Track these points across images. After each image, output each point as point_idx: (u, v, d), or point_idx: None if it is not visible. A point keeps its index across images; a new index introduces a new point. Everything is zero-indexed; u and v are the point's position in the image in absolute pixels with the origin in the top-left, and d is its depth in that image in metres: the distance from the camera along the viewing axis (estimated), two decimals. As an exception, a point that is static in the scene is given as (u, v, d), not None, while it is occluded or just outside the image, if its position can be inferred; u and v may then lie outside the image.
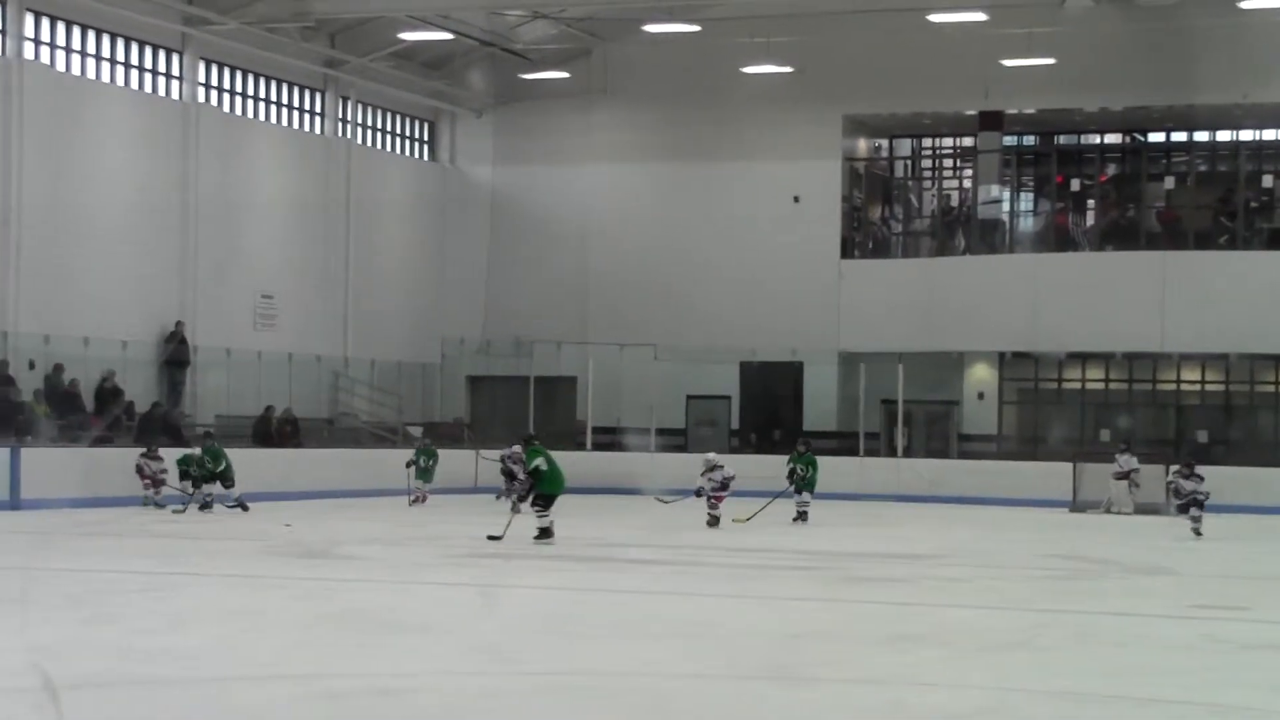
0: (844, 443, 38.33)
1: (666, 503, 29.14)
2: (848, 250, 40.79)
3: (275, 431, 33.96)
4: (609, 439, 39.07)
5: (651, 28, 37.40)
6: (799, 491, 28.27)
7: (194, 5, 34.22)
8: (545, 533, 21.90)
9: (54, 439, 29.46)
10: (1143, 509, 31.99)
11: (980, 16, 35.11)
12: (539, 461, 22.42)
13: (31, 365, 30.82)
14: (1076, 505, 32.95)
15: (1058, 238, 40.23)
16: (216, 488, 27.44)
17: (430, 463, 31.83)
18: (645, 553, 21.66)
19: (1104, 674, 11.99)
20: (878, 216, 42.78)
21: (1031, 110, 40.46)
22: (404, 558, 20.43)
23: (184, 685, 10.85)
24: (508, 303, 42.14)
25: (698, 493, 26.59)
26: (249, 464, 29.28)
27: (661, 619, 14.75)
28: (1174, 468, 28.70)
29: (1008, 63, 37.46)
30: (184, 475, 27.76)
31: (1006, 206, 41.26)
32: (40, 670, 10.89)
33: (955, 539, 25.56)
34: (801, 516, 27.94)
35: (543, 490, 22.25)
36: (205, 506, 27.19)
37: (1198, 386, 39.31)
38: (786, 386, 40.41)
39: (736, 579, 18.70)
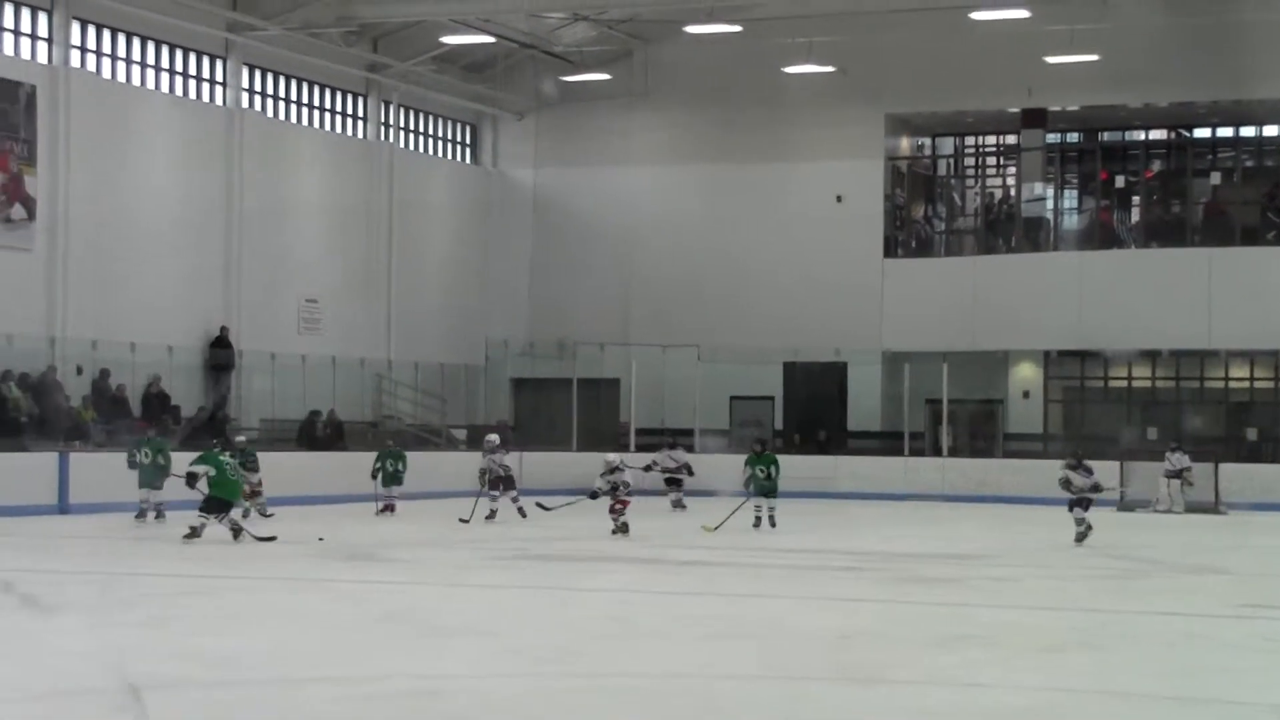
0: (889, 443, 38.26)
1: (550, 509, 26.22)
2: (891, 249, 40.68)
3: (320, 435, 34.04)
4: (653, 440, 38.99)
5: (693, 29, 37.36)
6: (765, 495, 25.79)
7: (237, 11, 34.35)
8: (195, 533, 21.72)
9: (101, 444, 29.60)
10: (1194, 508, 31.79)
11: (1023, 13, 34.93)
12: (203, 469, 22.18)
13: (79, 371, 31.01)
14: (1124, 504, 32.75)
15: (1103, 235, 40.02)
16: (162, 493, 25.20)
17: (397, 467, 28.60)
18: (695, 554, 21.61)
19: (1157, 674, 11.92)
20: (921, 215, 42.67)
21: (1075, 107, 40.29)
22: (449, 560, 20.44)
23: (233, 687, 10.89)
24: (551, 305, 42.16)
25: (593, 494, 24.77)
26: (294, 467, 29.35)
27: (713, 620, 14.71)
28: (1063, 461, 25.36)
29: (1051, 59, 37.27)
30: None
31: (1050, 204, 41.09)
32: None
33: (1003, 538, 25.47)
34: (769, 521, 25.68)
35: (215, 495, 22.07)
36: (158, 515, 25.19)
37: (1246, 383, 39.08)
38: (830, 387, 40.31)
39: (787, 580, 18.65)
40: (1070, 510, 24.02)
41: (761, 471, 25.85)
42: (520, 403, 42.36)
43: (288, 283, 36.36)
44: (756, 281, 40.61)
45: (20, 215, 30.26)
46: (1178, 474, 32.10)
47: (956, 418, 38.64)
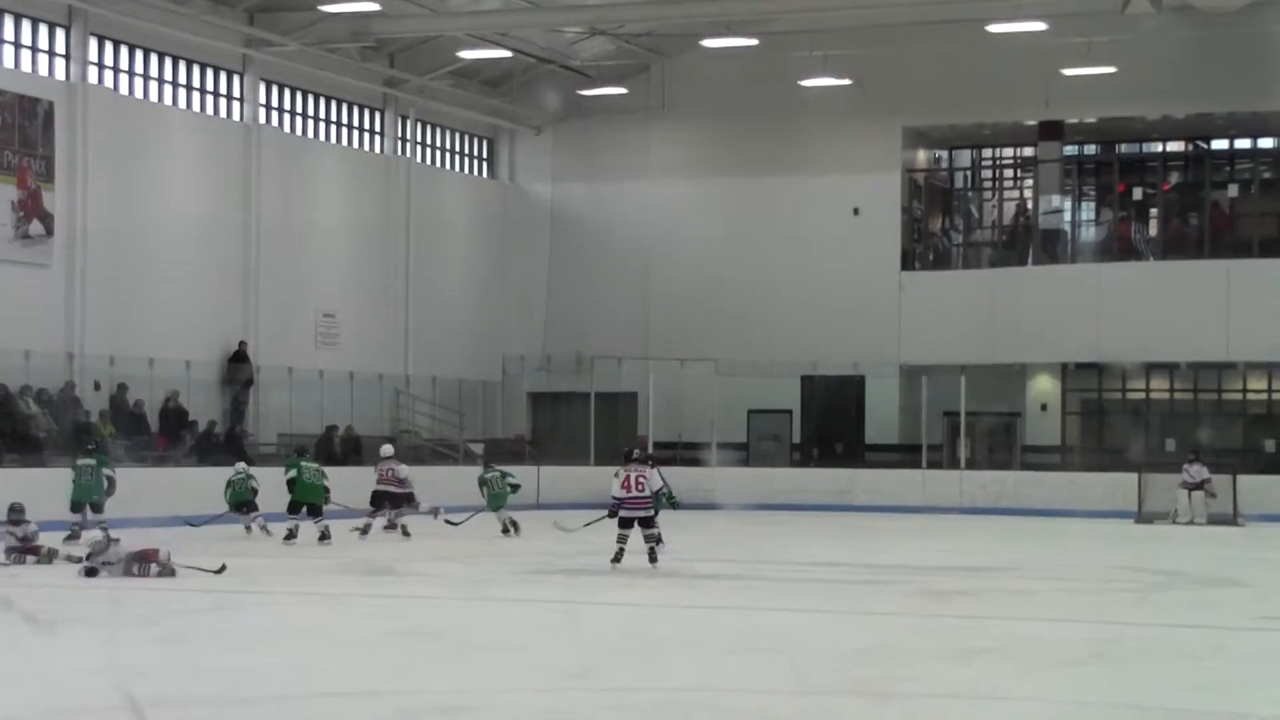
0: (906, 456, 38.22)
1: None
2: (908, 262, 40.65)
3: (338, 450, 34.05)
4: (670, 454, 39.01)
5: (710, 43, 37.38)
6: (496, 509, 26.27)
7: (255, 27, 34.43)
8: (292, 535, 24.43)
9: (120, 459, 29.60)
10: (1212, 520, 31.73)
11: (1040, 26, 34.90)
12: (293, 473, 24.98)
13: (97, 386, 31.07)
14: (1143, 516, 32.71)
15: (1120, 247, 39.96)
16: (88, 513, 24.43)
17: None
18: (713, 567, 21.60)
19: (1178, 687, 11.90)
20: (938, 228, 42.64)
21: (1092, 119, 40.24)
22: (470, 574, 20.44)
23: (256, 704, 10.89)
24: (568, 319, 42.17)
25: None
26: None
27: (731, 634, 14.72)
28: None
29: (1068, 72, 37.26)
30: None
31: (1068, 216, 41.04)
32: (123, 690, 10.96)
33: (1022, 551, 25.41)
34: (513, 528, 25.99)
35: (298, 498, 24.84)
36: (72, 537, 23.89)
37: (1264, 395, 38.98)
38: (848, 400, 40.27)
39: (805, 593, 18.64)
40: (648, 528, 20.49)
41: (497, 483, 26.62)
42: (538, 417, 42.39)
43: (305, 297, 36.42)
44: (774, 295, 40.59)
45: (38, 231, 30.34)
46: (1198, 486, 32.04)
47: (974, 430, 38.59)
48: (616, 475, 20.52)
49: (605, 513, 21.11)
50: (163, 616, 15.63)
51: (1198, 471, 32.14)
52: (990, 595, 18.47)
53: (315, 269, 36.83)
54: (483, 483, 27.15)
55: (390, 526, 26.45)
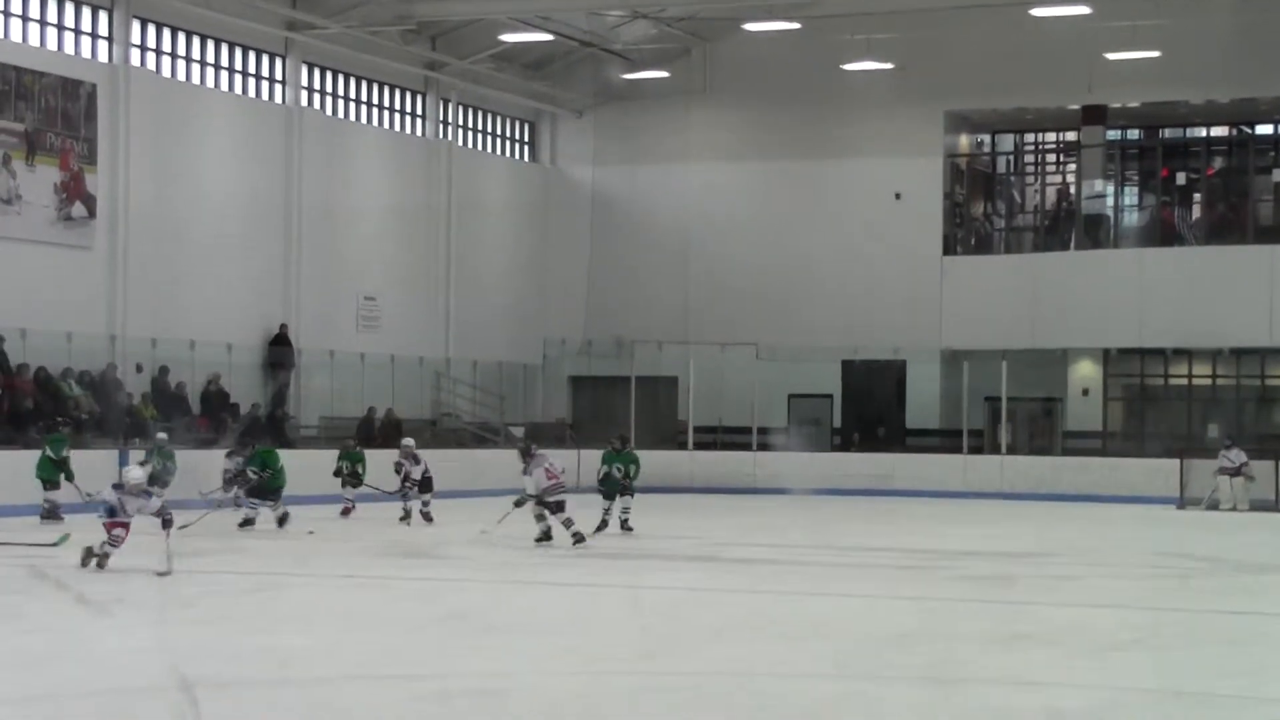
0: (947, 441, 38.11)
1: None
2: (950, 247, 40.52)
3: (379, 432, 34.11)
4: (710, 438, 39.01)
5: (752, 26, 37.33)
6: (621, 494, 23.55)
7: (297, 10, 34.50)
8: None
9: (163, 441, 29.70)
10: (1255, 506, 31.54)
11: (1083, 9, 34.76)
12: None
13: (139, 368, 31.20)
14: (1184, 502, 32.53)
15: (1163, 232, 39.74)
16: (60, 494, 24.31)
17: (356, 468, 26.93)
18: (749, 552, 21.59)
19: (1218, 674, 11.84)
20: (980, 213, 42.48)
21: (1136, 104, 40.02)
22: (507, 558, 20.44)
23: (294, 685, 10.92)
24: (609, 303, 42.15)
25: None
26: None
27: (767, 619, 14.69)
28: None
29: (1111, 56, 37.06)
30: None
31: (1111, 201, 40.85)
32: (175, 671, 11.02)
33: (1062, 537, 25.30)
34: (621, 524, 23.35)
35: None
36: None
37: (1309, 381, 38.75)
38: (889, 385, 40.18)
39: (843, 578, 18.60)
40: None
41: (619, 470, 23.67)
42: (578, 401, 42.38)
43: (347, 281, 36.50)
44: (815, 279, 40.51)
45: (81, 214, 30.47)
46: (1237, 471, 31.83)
47: (1016, 416, 38.44)
48: (531, 472, 21.07)
49: (514, 503, 21.58)
50: (204, 598, 15.69)
51: (1235, 456, 31.92)
52: (1031, 580, 18.41)
53: (356, 252, 36.90)
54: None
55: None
